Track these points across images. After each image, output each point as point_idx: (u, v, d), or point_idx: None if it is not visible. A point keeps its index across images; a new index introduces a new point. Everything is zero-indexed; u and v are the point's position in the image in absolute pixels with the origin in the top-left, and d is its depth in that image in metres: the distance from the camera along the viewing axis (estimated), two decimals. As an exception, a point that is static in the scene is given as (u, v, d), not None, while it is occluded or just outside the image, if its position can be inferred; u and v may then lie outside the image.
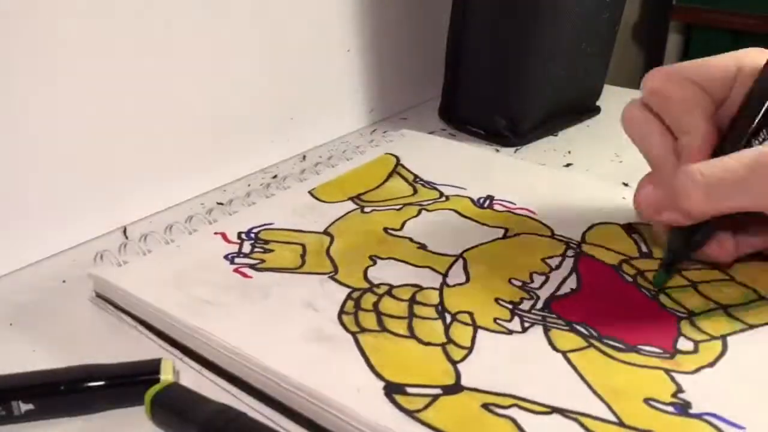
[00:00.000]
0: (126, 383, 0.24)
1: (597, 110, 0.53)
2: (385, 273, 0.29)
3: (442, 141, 0.45)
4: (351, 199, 0.36)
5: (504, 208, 0.35)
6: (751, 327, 0.27)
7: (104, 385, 0.24)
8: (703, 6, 1.03)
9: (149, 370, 0.24)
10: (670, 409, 0.23)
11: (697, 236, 0.28)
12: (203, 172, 0.40)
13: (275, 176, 0.38)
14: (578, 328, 0.27)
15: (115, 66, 0.34)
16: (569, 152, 0.46)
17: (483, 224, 0.34)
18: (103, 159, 0.35)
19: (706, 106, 0.28)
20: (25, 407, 0.24)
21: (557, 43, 0.45)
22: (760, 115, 0.26)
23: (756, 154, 0.25)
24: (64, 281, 0.32)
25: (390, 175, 0.39)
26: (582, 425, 0.22)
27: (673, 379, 0.25)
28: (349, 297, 0.28)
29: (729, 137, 0.28)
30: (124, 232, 0.36)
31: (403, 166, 0.40)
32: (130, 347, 0.27)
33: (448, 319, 0.27)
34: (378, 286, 0.28)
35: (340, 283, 0.29)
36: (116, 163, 0.36)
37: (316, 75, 0.46)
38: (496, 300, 0.28)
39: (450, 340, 0.26)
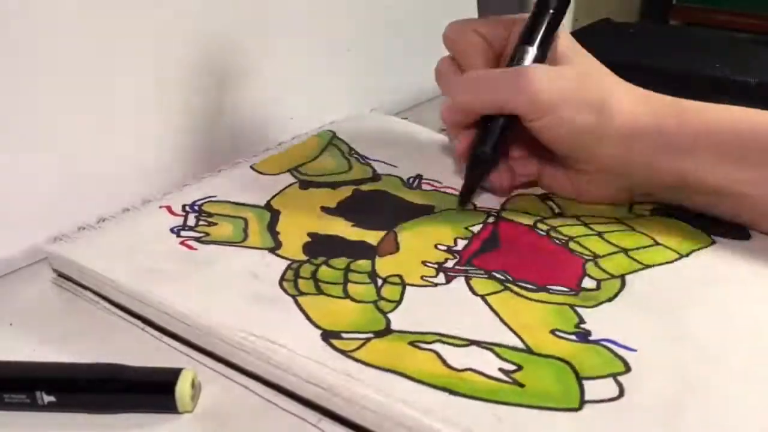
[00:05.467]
0: (145, 390, 0.25)
1: None
2: (322, 248, 0.32)
3: (381, 118, 0.48)
4: (289, 171, 0.39)
5: (431, 188, 0.39)
6: (647, 266, 0.31)
7: (124, 389, 0.24)
8: (703, 6, 1.04)
9: (170, 379, 0.24)
10: (573, 337, 0.27)
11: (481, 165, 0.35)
12: (202, 172, 0.40)
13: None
14: (496, 275, 0.30)
15: (113, 66, 0.36)
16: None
17: (412, 203, 0.37)
18: (102, 160, 0.36)
19: (486, 51, 0.36)
20: (48, 398, 0.24)
21: None
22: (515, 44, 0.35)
23: (509, 68, 0.34)
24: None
25: (326, 147, 0.42)
26: (496, 354, 0.25)
27: (576, 312, 0.28)
28: (288, 267, 0.30)
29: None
30: None
31: (339, 138, 0.43)
32: (132, 348, 0.28)
33: (380, 282, 0.30)
34: (316, 258, 0.31)
35: (281, 257, 0.31)
36: (115, 163, 0.37)
37: (316, 75, 0.48)
38: (423, 263, 0.31)
39: (381, 298, 0.29)
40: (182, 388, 0.24)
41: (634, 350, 0.26)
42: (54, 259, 0.32)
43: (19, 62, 0.32)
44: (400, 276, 0.30)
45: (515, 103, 0.33)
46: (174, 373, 0.24)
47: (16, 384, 0.24)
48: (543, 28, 0.34)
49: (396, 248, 0.32)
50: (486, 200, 0.37)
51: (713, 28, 1.01)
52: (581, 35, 0.69)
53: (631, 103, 0.33)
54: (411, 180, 0.39)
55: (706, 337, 0.27)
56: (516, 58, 0.34)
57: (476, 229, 0.34)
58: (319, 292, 0.29)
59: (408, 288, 0.29)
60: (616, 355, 0.26)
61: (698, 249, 0.32)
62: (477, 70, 0.35)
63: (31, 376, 0.25)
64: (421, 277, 0.30)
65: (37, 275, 0.33)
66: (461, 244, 0.33)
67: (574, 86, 0.33)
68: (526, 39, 0.34)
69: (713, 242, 0.33)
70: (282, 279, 0.29)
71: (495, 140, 0.34)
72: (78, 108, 0.35)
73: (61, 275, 0.32)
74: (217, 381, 0.26)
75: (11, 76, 0.32)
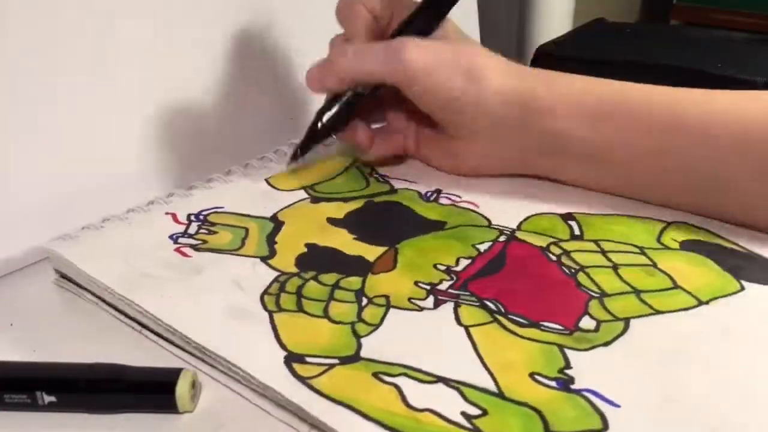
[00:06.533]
0: (145, 390, 0.25)
1: None
2: (316, 260, 0.32)
3: None
4: (304, 188, 0.38)
5: (449, 202, 0.37)
6: (657, 312, 0.28)
7: (124, 389, 0.25)
8: (703, 5, 1.03)
9: (170, 379, 0.24)
10: (553, 383, 0.25)
11: (332, 117, 0.37)
12: (204, 173, 0.41)
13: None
14: (488, 304, 0.29)
15: (114, 66, 0.37)
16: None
17: (423, 217, 0.35)
18: (102, 160, 0.37)
19: (372, 25, 0.38)
20: (48, 399, 0.24)
21: None
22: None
23: (391, 40, 0.36)
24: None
25: (347, 168, 0.41)
26: (462, 394, 0.24)
27: (564, 355, 0.26)
28: (275, 280, 0.30)
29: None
30: None
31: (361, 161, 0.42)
32: (132, 348, 0.28)
33: (364, 302, 0.29)
34: (306, 272, 0.31)
35: (272, 267, 0.31)
36: (114, 163, 0.38)
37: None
38: (416, 283, 0.30)
39: (360, 320, 0.28)
40: (182, 388, 0.24)
41: (617, 406, 0.24)
42: (53, 258, 0.33)
43: (19, 62, 0.33)
44: (386, 297, 0.29)
45: (392, 72, 0.35)
46: (174, 373, 0.24)
47: (16, 384, 0.25)
48: (424, 15, 0.37)
49: (393, 266, 0.31)
50: (502, 218, 0.35)
51: (713, 28, 0.99)
52: (575, 35, 0.65)
53: (504, 73, 0.36)
54: (429, 194, 0.38)
55: (702, 400, 0.24)
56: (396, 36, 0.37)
57: (484, 247, 0.33)
58: (299, 309, 0.28)
59: (391, 311, 0.28)
60: (595, 408, 0.24)
61: (722, 296, 0.29)
62: (360, 44, 0.37)
63: (31, 376, 0.25)
64: (409, 300, 0.29)
65: (38, 275, 0.33)
66: (463, 263, 0.31)
67: (447, 56, 0.35)
68: (409, 21, 0.37)
69: (742, 288, 0.30)
70: (265, 292, 0.29)
71: (334, 115, 0.37)
72: (81, 107, 0.36)
73: (63, 276, 0.33)
74: (217, 381, 0.26)
75: (12, 76, 0.33)
